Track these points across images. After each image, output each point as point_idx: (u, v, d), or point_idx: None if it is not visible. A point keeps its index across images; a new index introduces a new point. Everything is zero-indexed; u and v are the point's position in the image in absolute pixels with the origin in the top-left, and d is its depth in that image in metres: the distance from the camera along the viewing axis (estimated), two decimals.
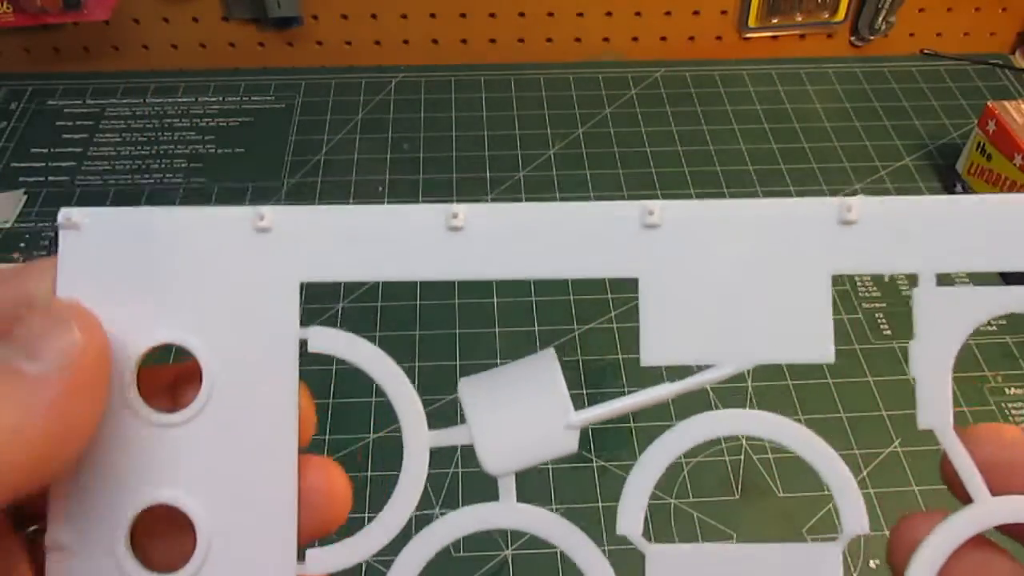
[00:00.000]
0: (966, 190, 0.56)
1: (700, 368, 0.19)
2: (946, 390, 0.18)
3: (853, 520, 0.18)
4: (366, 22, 0.65)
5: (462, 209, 0.18)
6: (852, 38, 0.69)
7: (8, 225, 0.53)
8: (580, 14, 0.66)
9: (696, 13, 0.67)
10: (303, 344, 0.18)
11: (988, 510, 0.18)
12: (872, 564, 0.39)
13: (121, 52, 0.66)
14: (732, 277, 0.19)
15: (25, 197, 0.54)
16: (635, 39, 0.68)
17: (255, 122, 0.61)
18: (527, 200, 0.56)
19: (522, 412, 0.19)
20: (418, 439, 0.19)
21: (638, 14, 0.67)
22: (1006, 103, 0.54)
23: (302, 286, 0.18)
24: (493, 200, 0.55)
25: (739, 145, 0.59)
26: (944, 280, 0.18)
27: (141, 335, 0.18)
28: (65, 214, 0.18)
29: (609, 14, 0.67)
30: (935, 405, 0.18)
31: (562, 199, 0.58)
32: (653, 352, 0.19)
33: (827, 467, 0.18)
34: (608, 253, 0.19)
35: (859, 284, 0.51)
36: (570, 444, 0.19)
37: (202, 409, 0.18)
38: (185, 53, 0.66)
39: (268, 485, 0.18)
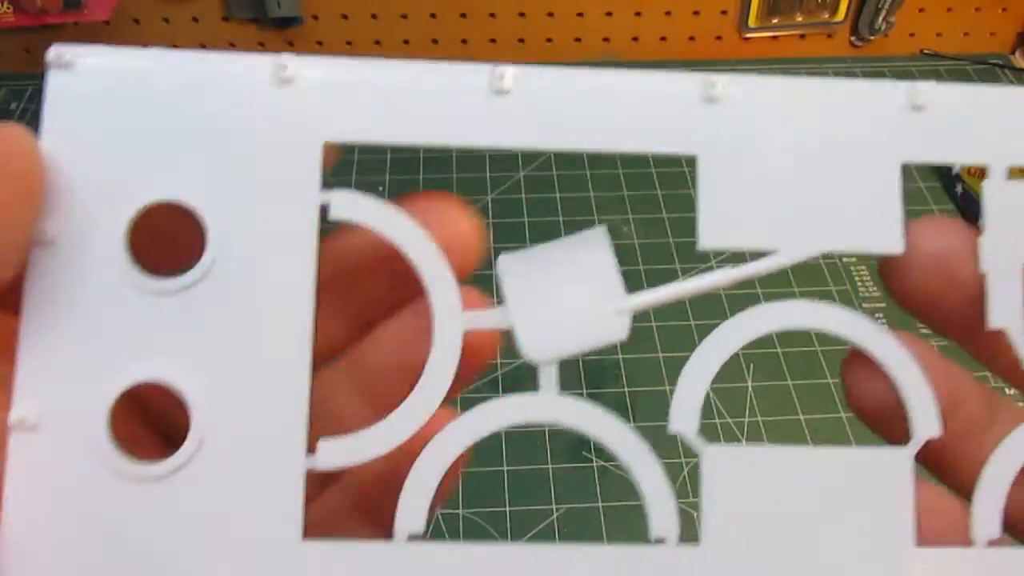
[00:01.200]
0: (966, 190, 0.56)
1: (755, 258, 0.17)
2: (1017, 287, 0.17)
3: (925, 423, 0.17)
4: (366, 22, 0.65)
5: (510, 71, 0.17)
6: (852, 38, 0.69)
7: None
8: (580, 14, 0.66)
9: (696, 13, 0.67)
10: (324, 211, 0.17)
11: None
12: None
13: None
14: (796, 159, 0.17)
15: None
16: (635, 39, 0.68)
17: None
18: (528, 198, 0.56)
19: (568, 293, 0.17)
20: (450, 320, 0.17)
21: (638, 14, 0.67)
22: None
23: (327, 147, 0.17)
24: (494, 199, 0.55)
25: None
26: (1016, 175, 0.18)
27: (138, 191, 0.16)
28: (56, 51, 0.16)
29: (609, 14, 0.67)
30: (1006, 303, 0.17)
31: (562, 199, 0.58)
32: (711, 235, 0.17)
33: (900, 367, 0.17)
34: (666, 127, 0.17)
35: (859, 284, 0.51)
36: (620, 330, 0.17)
37: (204, 275, 0.16)
38: None
39: (276, 365, 0.16)
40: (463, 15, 0.66)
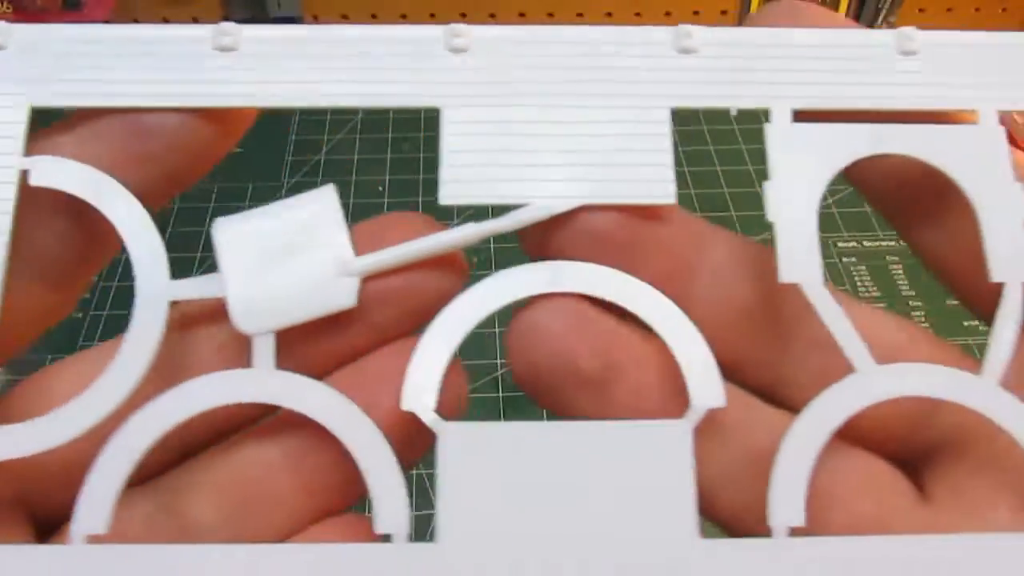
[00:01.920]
0: None
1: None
2: (813, 238, 0.16)
3: (704, 394, 0.15)
4: (366, 22, 0.65)
5: (234, 28, 0.16)
6: None
7: None
8: (580, 14, 0.66)
9: (696, 13, 0.67)
10: (24, 177, 0.16)
11: (875, 380, 0.15)
12: None
13: None
14: (551, 108, 0.16)
15: None
16: None
17: (255, 122, 0.61)
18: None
19: (289, 257, 0.16)
20: (153, 288, 0.15)
21: (638, 14, 0.67)
22: None
23: (34, 111, 0.16)
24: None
25: (739, 145, 0.59)
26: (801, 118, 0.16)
27: None
28: None
29: (609, 14, 0.67)
30: (800, 255, 0.16)
31: None
32: (453, 190, 0.16)
33: (675, 331, 0.16)
34: (408, 80, 0.16)
35: (859, 283, 0.51)
36: (347, 296, 0.15)
37: None
38: None
39: None
40: (463, 15, 0.66)
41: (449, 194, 0.16)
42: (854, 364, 0.15)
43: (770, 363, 0.17)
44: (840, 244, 0.53)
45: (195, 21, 0.70)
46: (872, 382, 0.15)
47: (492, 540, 0.14)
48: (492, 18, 0.66)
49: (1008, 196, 0.16)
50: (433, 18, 0.65)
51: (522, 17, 0.66)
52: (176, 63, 0.16)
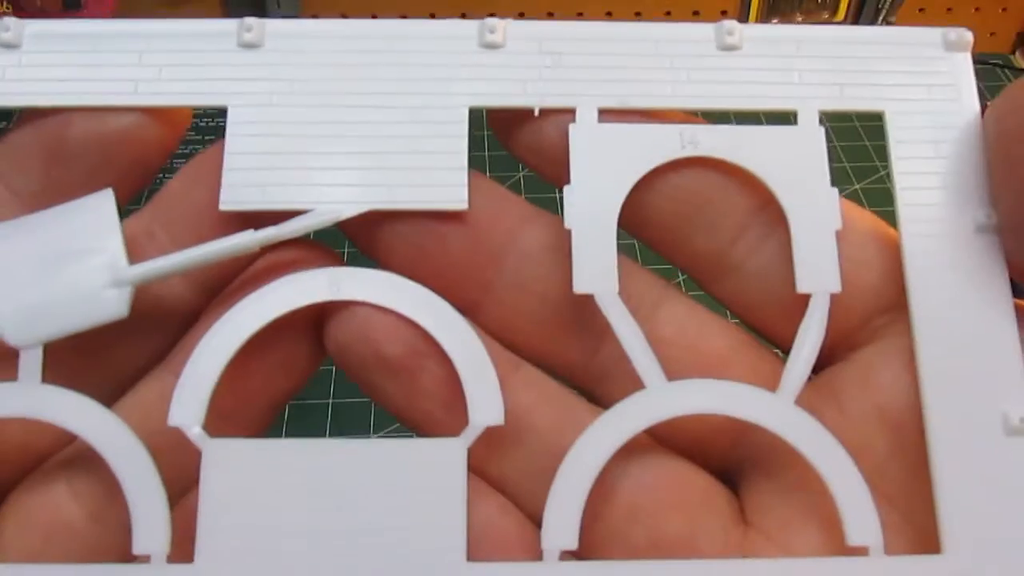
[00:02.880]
0: None
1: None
2: (609, 246, 0.15)
3: (482, 411, 0.15)
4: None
5: (14, 22, 0.15)
6: None
7: None
8: (580, 14, 0.66)
9: (696, 13, 0.67)
10: None
11: (664, 397, 0.15)
12: None
13: None
14: (343, 108, 0.15)
15: None
16: None
17: None
18: (528, 199, 0.56)
19: (59, 266, 0.15)
20: None
21: (638, 14, 0.67)
22: None
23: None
24: None
25: None
26: (608, 119, 0.16)
27: None
28: None
29: (609, 14, 0.66)
30: (594, 265, 0.15)
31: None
32: (233, 195, 0.15)
33: (459, 347, 0.15)
34: (196, 77, 0.15)
35: None
36: (118, 307, 0.15)
37: None
38: None
39: None
40: (463, 15, 0.66)
41: (230, 199, 0.15)
42: (644, 380, 0.15)
43: (584, 359, 0.16)
44: None
45: None
46: (659, 400, 0.15)
47: (252, 560, 0.14)
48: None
49: (822, 201, 0.15)
50: (434, 18, 0.65)
51: (522, 17, 0.66)
52: None
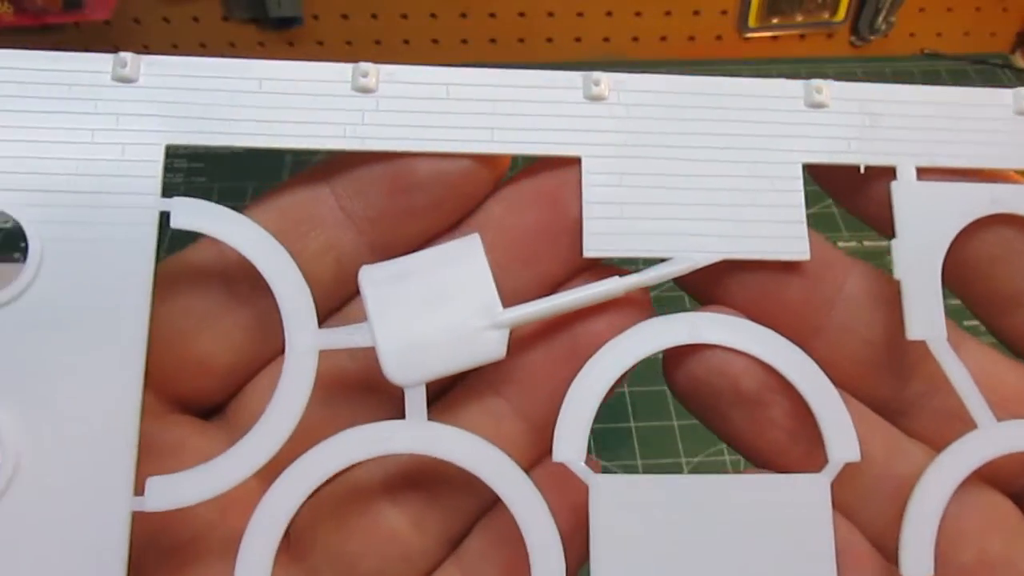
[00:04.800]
0: None
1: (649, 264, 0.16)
2: (937, 295, 0.16)
3: (841, 447, 0.15)
4: (366, 22, 0.65)
5: (372, 68, 0.16)
6: (852, 38, 0.69)
7: (9, 225, 0.53)
8: (580, 14, 0.66)
9: (696, 13, 0.67)
10: (164, 219, 0.15)
11: (996, 436, 0.16)
12: None
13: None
14: (689, 161, 0.16)
15: None
16: (635, 39, 0.68)
17: None
18: None
19: (438, 308, 0.15)
20: (303, 337, 0.15)
21: (638, 14, 0.67)
22: None
23: (169, 150, 0.15)
24: None
25: None
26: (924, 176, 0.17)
27: None
28: None
29: (609, 14, 0.66)
30: (925, 313, 0.16)
31: None
32: (596, 241, 0.16)
33: (812, 386, 0.16)
34: (547, 127, 0.16)
35: None
36: (496, 348, 0.15)
37: (24, 290, 0.14)
38: (185, 53, 0.66)
39: (102, 393, 0.14)
40: (463, 15, 0.66)
41: (593, 247, 0.16)
42: (977, 420, 0.16)
43: (893, 395, 0.17)
44: (841, 244, 0.53)
45: (196, 21, 0.69)
46: (993, 439, 0.16)
47: None
48: (492, 18, 0.66)
49: None
50: (434, 18, 0.65)
51: (522, 17, 0.66)
52: (312, 104, 0.15)
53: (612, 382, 0.16)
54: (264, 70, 0.16)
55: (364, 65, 0.16)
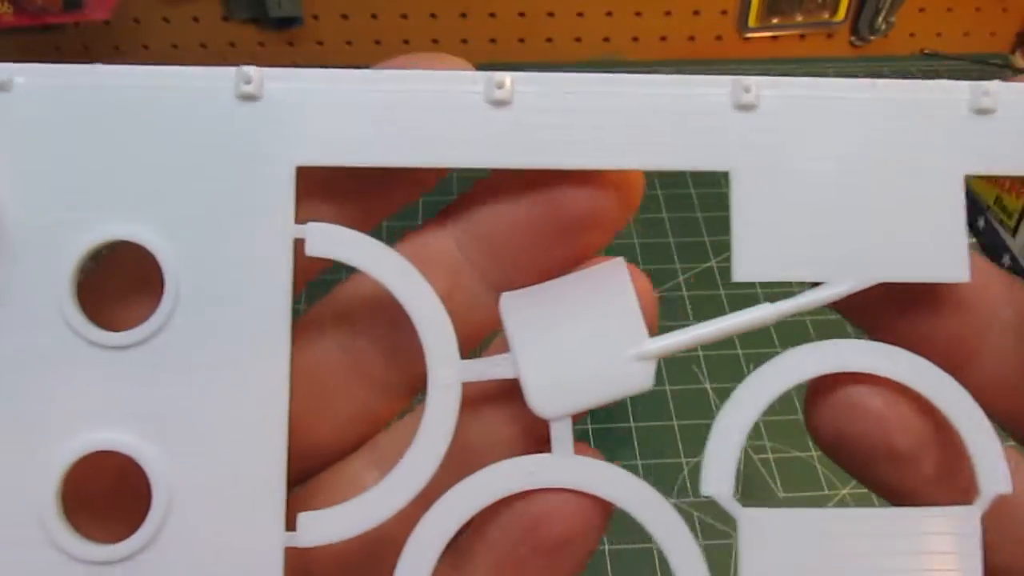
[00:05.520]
0: (989, 222, 0.55)
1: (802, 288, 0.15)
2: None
3: (992, 479, 0.15)
4: (366, 22, 0.65)
5: (508, 77, 0.14)
6: (852, 38, 0.69)
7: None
8: (580, 14, 0.66)
9: (696, 13, 0.67)
10: (299, 245, 0.14)
11: None
12: None
13: (121, 52, 0.66)
14: (842, 173, 0.15)
15: None
16: (635, 39, 0.68)
17: None
18: None
19: (583, 337, 0.15)
20: (446, 370, 0.14)
21: (638, 14, 0.67)
22: None
23: (300, 171, 0.14)
24: None
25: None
26: None
27: (84, 230, 0.14)
28: None
29: (609, 14, 0.67)
30: None
31: None
32: (748, 265, 0.15)
33: (965, 417, 0.15)
34: (693, 139, 0.15)
35: None
36: (643, 381, 0.15)
37: (163, 326, 0.14)
38: (185, 53, 0.66)
39: (250, 428, 0.14)
40: (463, 15, 0.66)
41: (744, 271, 0.15)
42: None
43: None
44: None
45: (196, 21, 0.69)
46: None
47: None
48: (492, 18, 0.66)
49: None
50: (434, 18, 0.65)
51: (522, 17, 0.66)
52: (446, 120, 0.14)
53: (759, 412, 0.15)
54: (389, 82, 0.14)
55: (499, 75, 0.14)
